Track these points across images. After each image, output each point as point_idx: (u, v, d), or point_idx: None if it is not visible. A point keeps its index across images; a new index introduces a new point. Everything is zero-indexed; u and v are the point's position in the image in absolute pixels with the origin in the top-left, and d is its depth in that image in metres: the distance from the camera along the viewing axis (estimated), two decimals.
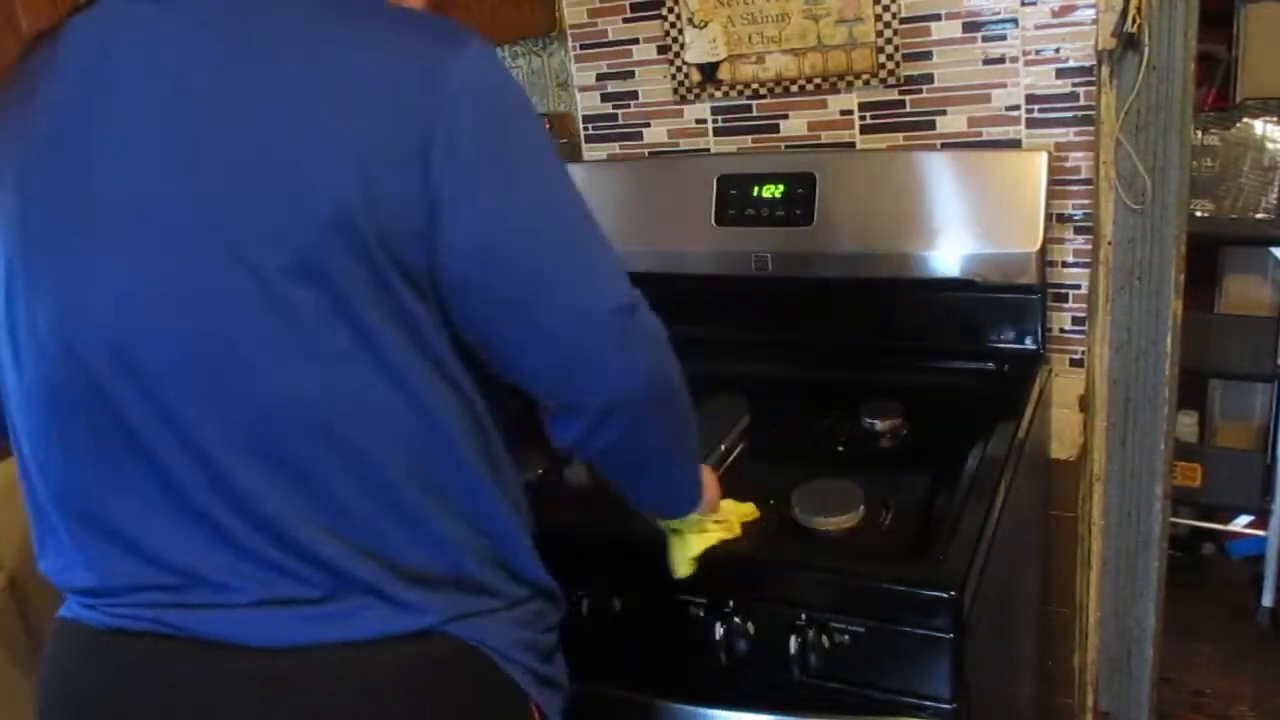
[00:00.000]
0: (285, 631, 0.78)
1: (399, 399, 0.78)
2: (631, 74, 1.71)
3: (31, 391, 0.80)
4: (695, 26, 1.62)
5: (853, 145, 1.59)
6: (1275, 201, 2.24)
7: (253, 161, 0.72)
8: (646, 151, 1.75)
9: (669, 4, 1.62)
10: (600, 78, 1.74)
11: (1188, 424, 2.57)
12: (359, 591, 0.79)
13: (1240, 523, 2.50)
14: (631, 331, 0.86)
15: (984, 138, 1.50)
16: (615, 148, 1.78)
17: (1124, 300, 1.51)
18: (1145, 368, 1.53)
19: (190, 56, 0.75)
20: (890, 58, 1.51)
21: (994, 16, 1.43)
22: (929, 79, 1.50)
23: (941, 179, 1.47)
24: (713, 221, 1.61)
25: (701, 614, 1.09)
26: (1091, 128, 1.42)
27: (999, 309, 1.48)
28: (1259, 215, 2.25)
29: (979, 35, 1.45)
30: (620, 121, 1.75)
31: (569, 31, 1.73)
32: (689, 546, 1.05)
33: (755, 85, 1.61)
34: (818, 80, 1.57)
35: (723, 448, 1.31)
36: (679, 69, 1.66)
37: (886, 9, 1.48)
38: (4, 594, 1.79)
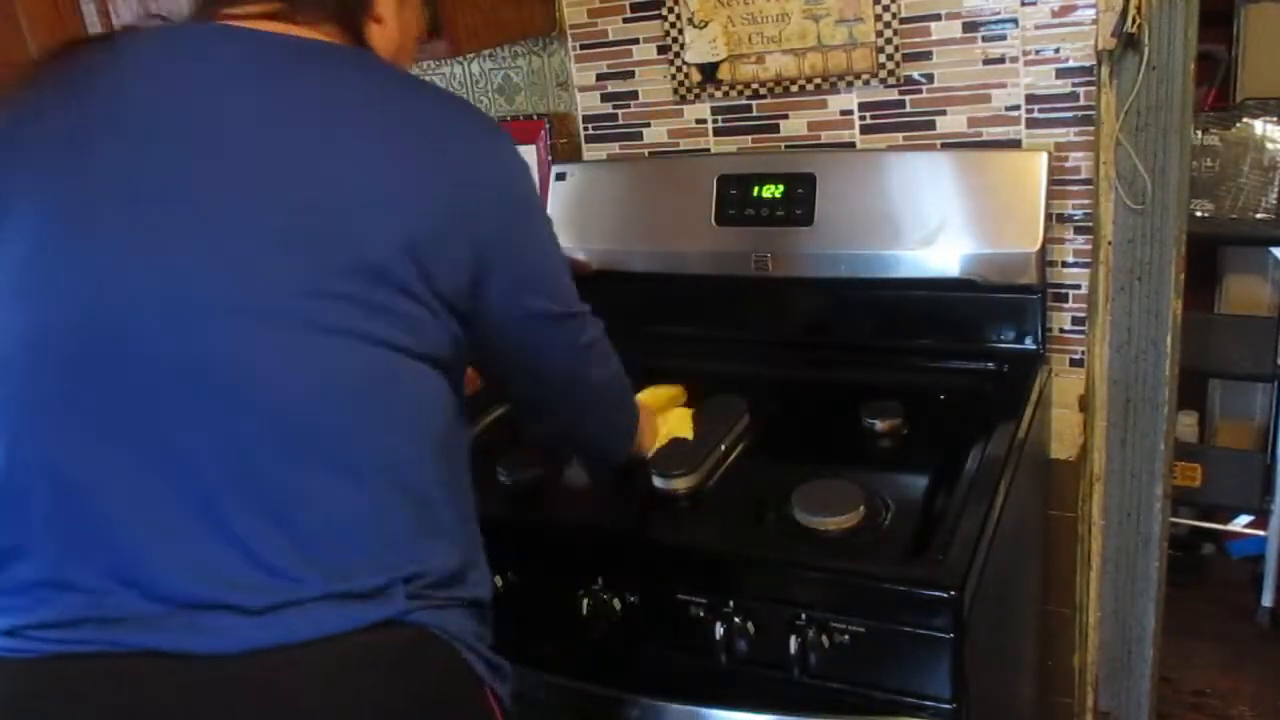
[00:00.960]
0: (252, 636, 0.77)
1: (426, 406, 0.85)
2: (631, 74, 1.71)
3: (32, 347, 0.78)
4: (695, 26, 1.62)
5: (853, 145, 1.59)
6: (1275, 201, 2.24)
7: (319, 199, 0.78)
8: (646, 151, 1.75)
9: (669, 4, 1.62)
10: (600, 78, 1.74)
11: (1188, 424, 2.57)
12: (335, 596, 0.79)
13: (1240, 523, 2.51)
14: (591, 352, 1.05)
15: (984, 138, 1.50)
16: (615, 148, 1.78)
17: (1124, 300, 1.51)
18: (1145, 368, 1.53)
19: (262, 87, 0.81)
20: (890, 58, 1.51)
21: (994, 16, 1.43)
22: (929, 79, 1.50)
23: (941, 179, 1.47)
24: (713, 221, 1.62)
25: (701, 614, 1.09)
26: (1091, 128, 1.43)
27: (999, 309, 1.48)
28: (1259, 215, 2.25)
29: (979, 35, 1.45)
30: (620, 121, 1.76)
31: (569, 31, 1.73)
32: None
33: (755, 85, 1.61)
34: (818, 80, 1.57)
35: (723, 448, 1.31)
36: (679, 69, 1.66)
37: (886, 9, 1.48)
38: None
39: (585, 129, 1.79)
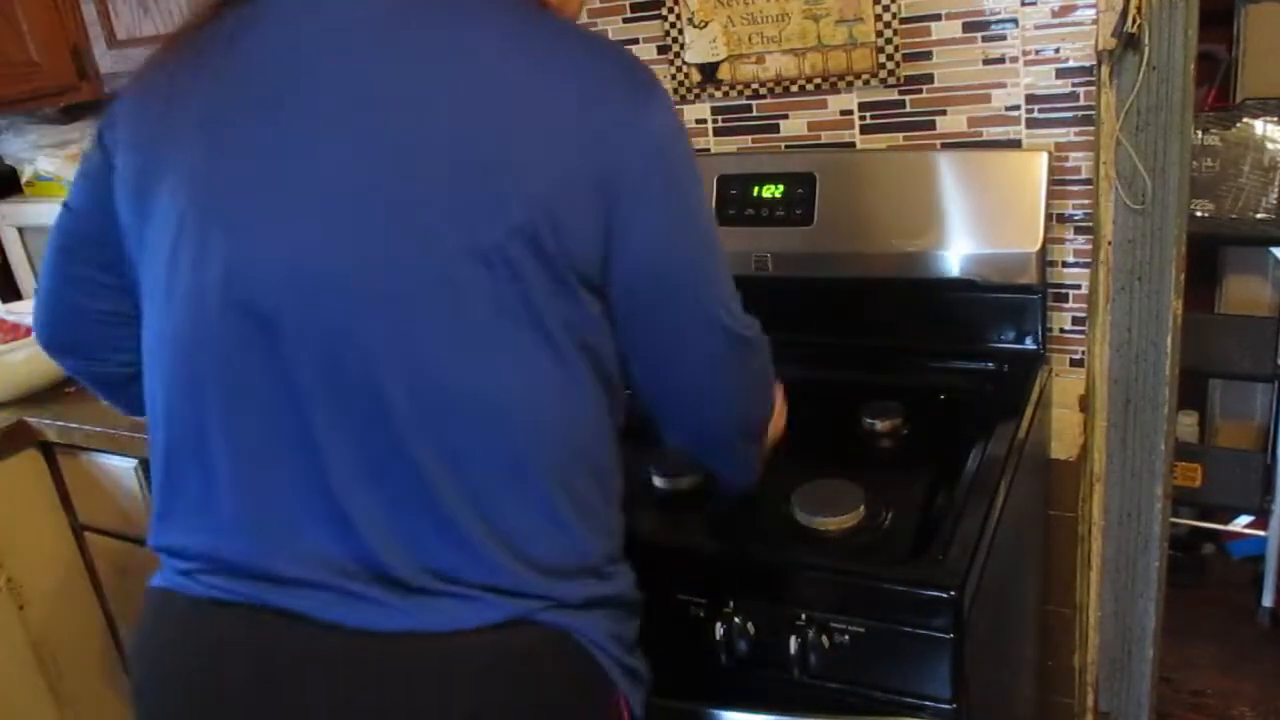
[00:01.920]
0: (382, 617, 0.79)
1: (567, 390, 0.83)
2: None
3: (178, 337, 0.81)
4: (695, 26, 1.62)
5: (853, 145, 1.59)
6: (1275, 201, 2.24)
7: (454, 155, 0.75)
8: None
9: (669, 4, 1.62)
10: None
11: (1188, 424, 2.57)
12: (479, 588, 0.80)
13: (1240, 523, 2.51)
14: (743, 363, 0.96)
15: (984, 138, 1.50)
16: None
17: (1124, 300, 1.51)
18: (1145, 368, 1.53)
19: (399, 40, 0.78)
20: (890, 58, 1.51)
21: (994, 16, 1.43)
22: (929, 79, 1.50)
23: (941, 179, 1.47)
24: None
25: (701, 614, 1.09)
26: (1091, 128, 1.42)
27: (999, 309, 1.48)
28: (1259, 215, 2.25)
29: (979, 35, 1.45)
30: None
31: None
32: None
33: (755, 85, 1.62)
34: (818, 80, 1.57)
35: None
36: (679, 69, 1.66)
37: (886, 9, 1.48)
38: (3, 594, 1.79)
39: None
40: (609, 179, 0.78)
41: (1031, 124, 1.46)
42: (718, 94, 1.65)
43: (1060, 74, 1.42)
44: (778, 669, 1.06)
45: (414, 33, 0.78)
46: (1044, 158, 1.42)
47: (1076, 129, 1.43)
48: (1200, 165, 2.25)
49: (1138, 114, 1.41)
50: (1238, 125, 2.26)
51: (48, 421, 1.76)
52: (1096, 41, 1.37)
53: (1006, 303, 1.47)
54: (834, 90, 1.57)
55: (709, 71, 1.64)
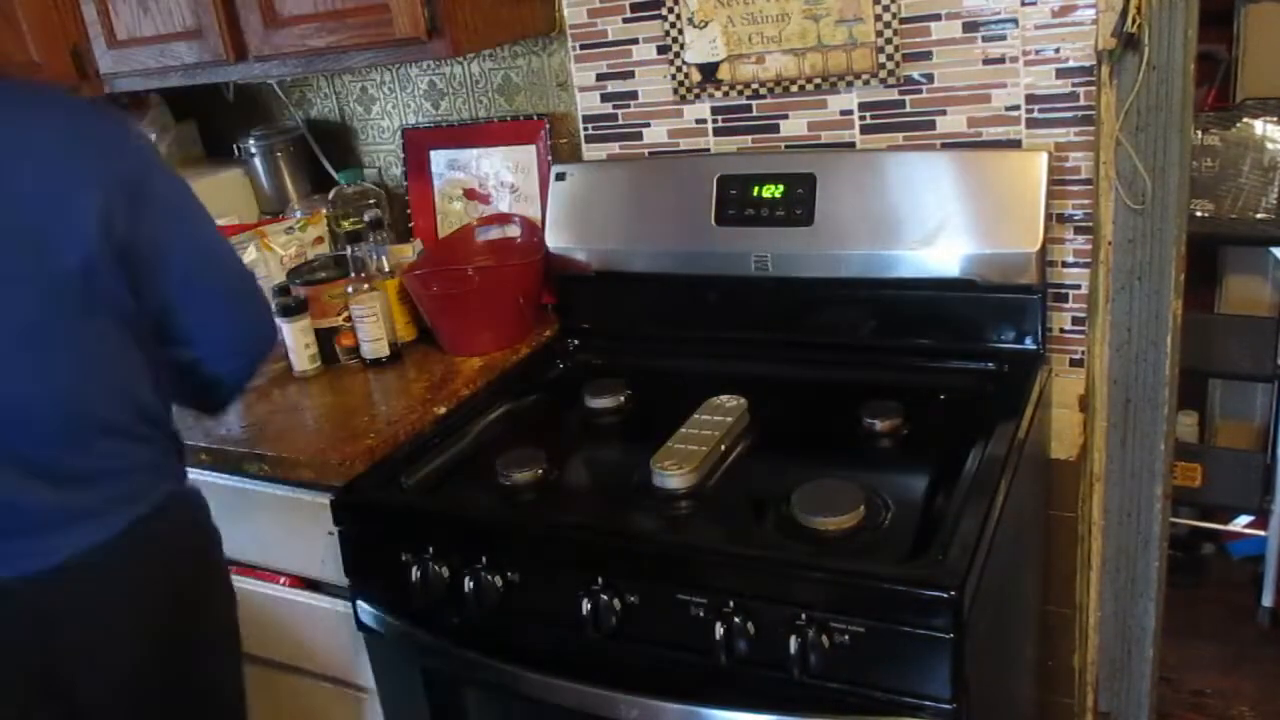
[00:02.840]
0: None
1: (122, 360, 1.13)
2: (631, 74, 1.71)
3: None
4: (695, 26, 1.62)
5: (853, 145, 1.59)
6: (1275, 201, 2.24)
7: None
8: (646, 151, 1.75)
9: (669, 4, 1.62)
10: (600, 78, 1.74)
11: (1188, 424, 2.57)
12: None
13: (1240, 523, 2.51)
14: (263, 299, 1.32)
15: (984, 138, 1.50)
16: (615, 148, 1.78)
17: (1124, 300, 1.51)
18: (1145, 368, 1.53)
19: None
20: (890, 58, 1.51)
21: (994, 16, 1.43)
22: (929, 79, 1.50)
23: (941, 179, 1.47)
24: (713, 221, 1.62)
25: (701, 614, 1.09)
26: (1091, 128, 1.42)
27: (999, 309, 1.48)
28: (1259, 215, 2.25)
29: (979, 35, 1.45)
30: (620, 121, 1.76)
31: (569, 31, 1.73)
32: None
33: (755, 85, 1.61)
34: (818, 80, 1.57)
35: (723, 448, 1.31)
36: (679, 69, 1.66)
37: (886, 9, 1.48)
38: None
39: (585, 129, 1.79)
40: (125, 195, 1.07)
41: (1031, 124, 1.46)
42: (718, 94, 1.65)
43: (1060, 74, 1.42)
44: (778, 669, 1.06)
45: None
46: (1044, 158, 1.42)
47: (1076, 129, 1.43)
48: (1200, 165, 2.25)
49: (1138, 114, 1.41)
50: (1238, 125, 2.26)
51: None
52: (1096, 41, 1.37)
53: (1006, 303, 1.47)
54: (834, 90, 1.57)
55: (709, 71, 1.64)
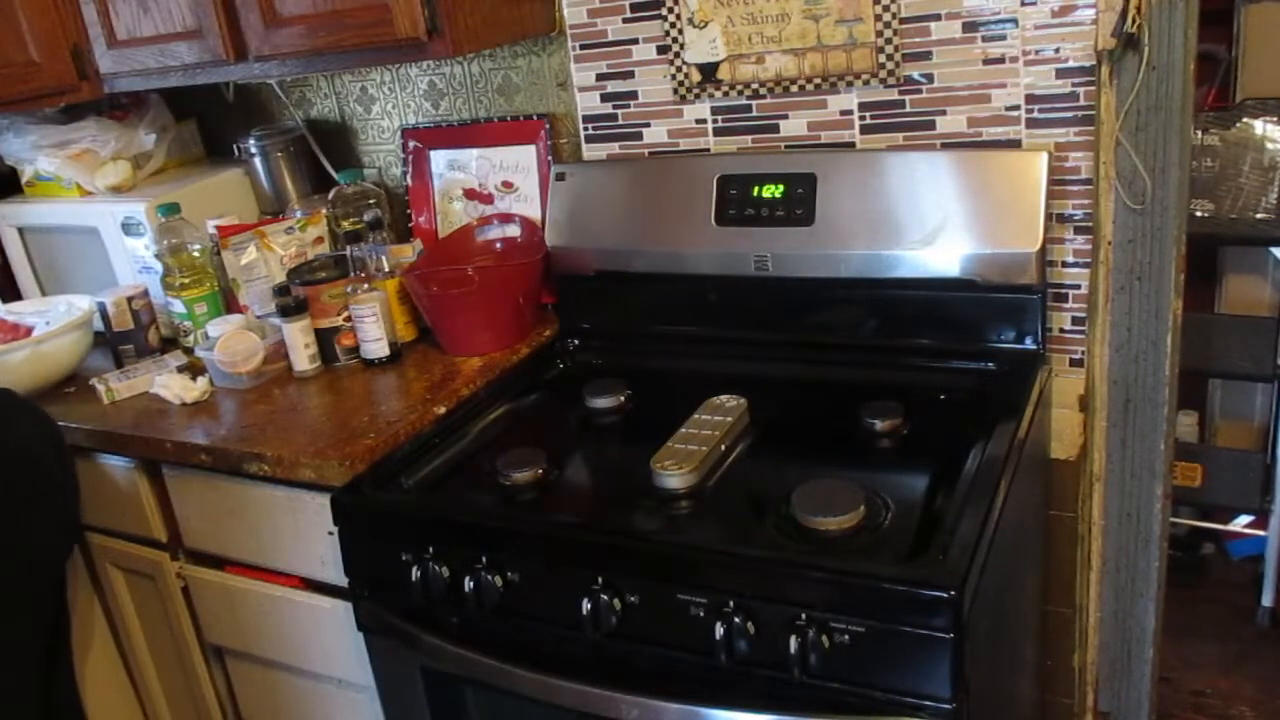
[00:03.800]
0: None
1: None
2: (631, 74, 1.71)
3: None
4: (695, 26, 1.62)
5: (853, 145, 1.59)
6: (1275, 201, 2.24)
7: None
8: (646, 151, 1.75)
9: (669, 4, 1.62)
10: (600, 78, 1.74)
11: (1188, 424, 2.57)
12: None
13: (1240, 523, 2.51)
14: None
15: (984, 138, 1.50)
16: (615, 148, 1.78)
17: (1124, 300, 1.51)
18: (1145, 368, 1.53)
19: None
20: (890, 58, 1.51)
21: (994, 16, 1.43)
22: (929, 79, 1.50)
23: (941, 179, 1.47)
24: (713, 221, 1.62)
25: (701, 614, 1.09)
26: (1091, 128, 1.42)
27: (999, 309, 1.48)
28: (1259, 215, 2.25)
29: (979, 35, 1.45)
30: (620, 121, 1.76)
31: (569, 31, 1.74)
32: None
33: (755, 85, 1.61)
34: (818, 80, 1.57)
35: (723, 448, 1.31)
36: (679, 69, 1.66)
37: (886, 9, 1.48)
38: None
39: (585, 129, 1.79)
40: None
41: (1031, 124, 1.46)
42: (718, 94, 1.65)
43: (1060, 74, 1.42)
44: (778, 669, 1.06)
45: None
46: (1044, 158, 1.42)
47: (1076, 129, 1.43)
48: (1200, 165, 2.25)
49: (1138, 114, 1.41)
50: (1237, 125, 2.26)
51: None
52: (1096, 41, 1.37)
53: (1006, 303, 1.47)
54: (834, 90, 1.57)
55: (709, 71, 1.64)
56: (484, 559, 1.21)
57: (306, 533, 1.45)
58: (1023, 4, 1.41)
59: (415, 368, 1.68)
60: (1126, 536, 1.64)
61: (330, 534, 1.38)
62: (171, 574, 1.66)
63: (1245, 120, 2.26)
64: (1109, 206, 1.47)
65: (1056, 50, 1.41)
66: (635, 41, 1.69)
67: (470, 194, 1.95)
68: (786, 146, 1.64)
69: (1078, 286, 1.51)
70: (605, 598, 1.14)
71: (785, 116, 1.62)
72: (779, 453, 1.38)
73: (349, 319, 1.69)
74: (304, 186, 2.14)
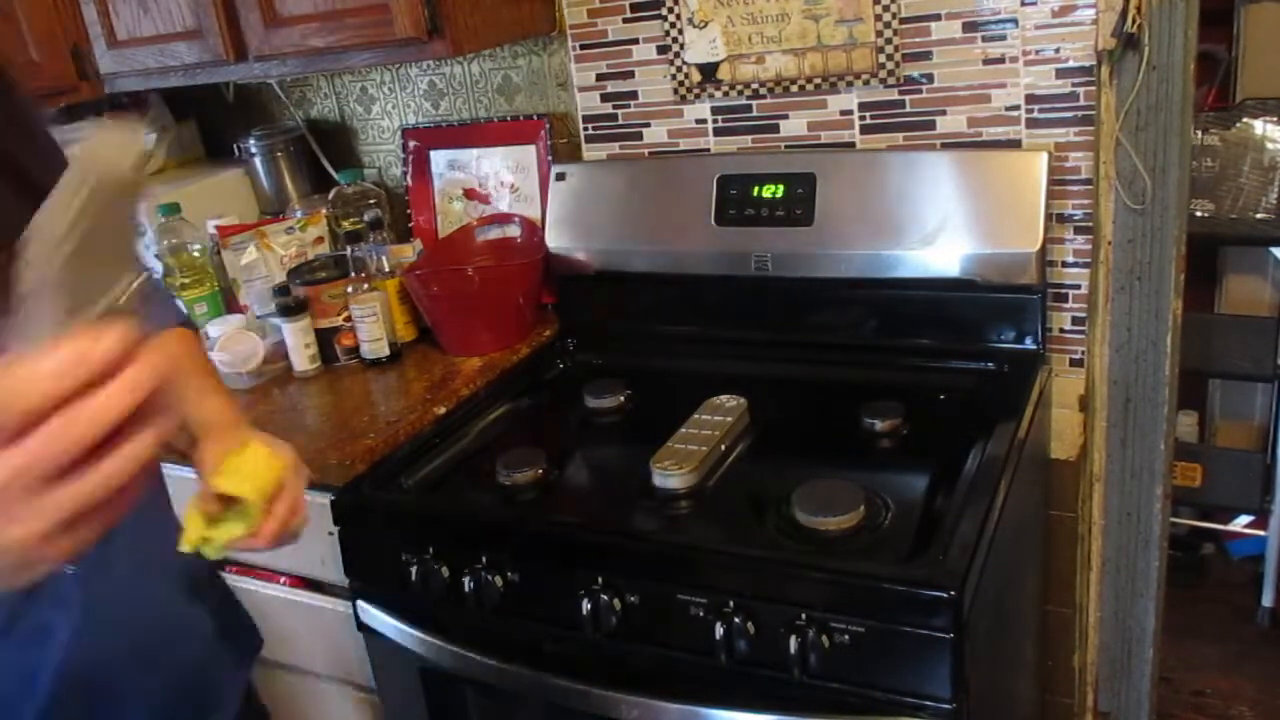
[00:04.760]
0: None
1: None
2: (631, 74, 1.71)
3: None
4: (695, 26, 1.62)
5: (853, 145, 1.59)
6: (1275, 201, 2.24)
7: None
8: (646, 151, 1.75)
9: (669, 4, 1.62)
10: (600, 78, 1.74)
11: (1188, 424, 2.57)
12: None
13: (1240, 523, 2.51)
14: None
15: (984, 138, 1.50)
16: (615, 148, 1.78)
17: (1124, 300, 1.51)
18: (1145, 368, 1.53)
19: None
20: (890, 58, 1.51)
21: (994, 16, 1.43)
22: (929, 79, 1.50)
23: (941, 179, 1.47)
24: (713, 221, 1.62)
25: (701, 614, 1.09)
26: (1091, 128, 1.42)
27: (999, 309, 1.48)
28: (1259, 215, 2.25)
29: (979, 35, 1.45)
30: (620, 121, 1.76)
31: (569, 31, 1.73)
32: (192, 524, 0.79)
33: (755, 85, 1.61)
34: (818, 80, 1.57)
35: (723, 448, 1.31)
36: (679, 69, 1.66)
37: (886, 9, 1.48)
38: None
39: (585, 129, 1.79)
40: None
41: (1031, 124, 1.46)
42: (718, 94, 1.65)
43: (1060, 74, 1.42)
44: (778, 669, 1.06)
45: None
46: (1044, 158, 1.42)
47: (1076, 129, 1.43)
48: (1200, 165, 2.25)
49: (1138, 114, 1.41)
50: (1238, 125, 2.26)
51: None
52: (1096, 41, 1.37)
53: (1006, 303, 1.47)
54: (834, 90, 1.57)
55: (709, 71, 1.64)
56: (484, 559, 1.21)
57: (307, 532, 1.44)
58: (1023, 4, 1.41)
59: (415, 368, 1.68)
60: (1126, 536, 1.64)
61: (330, 534, 1.38)
62: None
63: (1245, 120, 2.26)
64: (1109, 206, 1.47)
65: (1056, 50, 1.41)
66: (635, 41, 1.69)
67: (470, 194, 1.95)
68: (786, 146, 1.64)
69: (1078, 286, 1.51)
70: (605, 598, 1.14)
71: (785, 116, 1.62)
72: (779, 453, 1.37)
73: (349, 319, 1.69)
74: (304, 186, 2.14)
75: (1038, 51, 1.42)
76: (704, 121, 1.69)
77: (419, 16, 1.47)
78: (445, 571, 1.24)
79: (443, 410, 1.52)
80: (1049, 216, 1.44)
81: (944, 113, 1.51)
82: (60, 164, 0.78)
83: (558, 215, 1.75)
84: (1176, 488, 2.02)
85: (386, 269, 1.72)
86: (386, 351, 1.69)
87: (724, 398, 1.41)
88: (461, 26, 1.51)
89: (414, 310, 1.75)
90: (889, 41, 1.50)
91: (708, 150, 1.70)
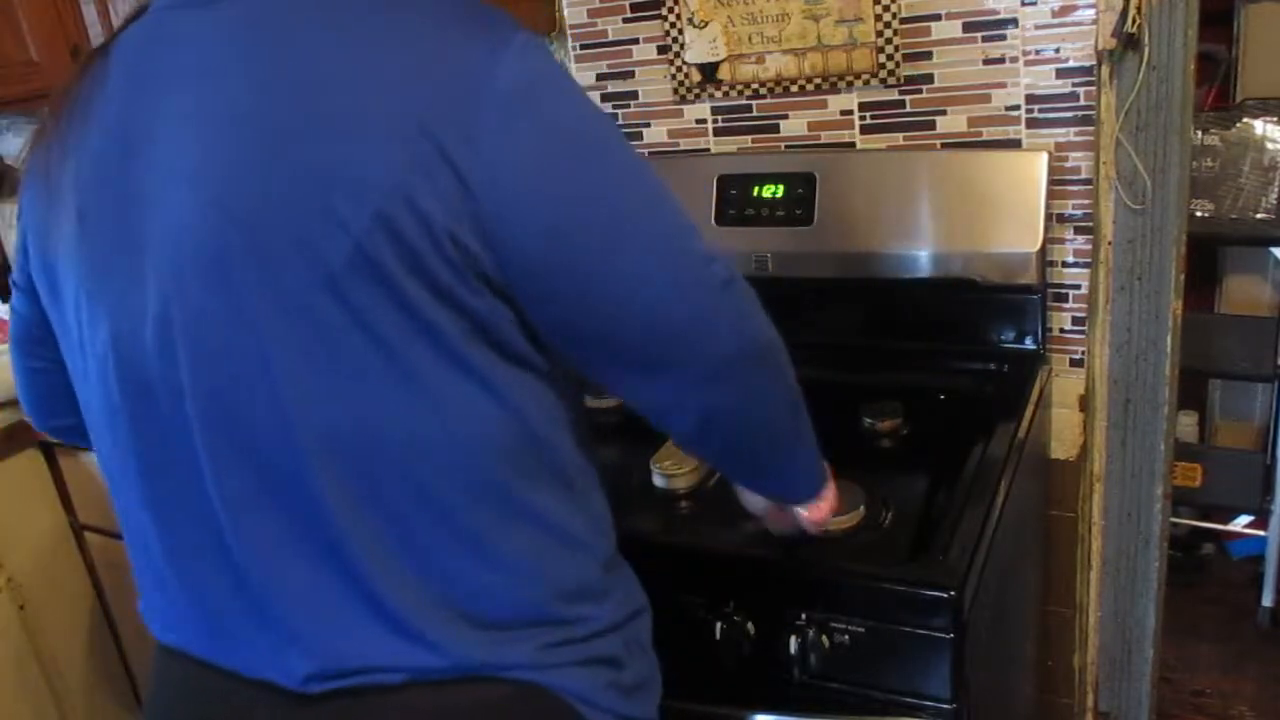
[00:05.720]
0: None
1: (474, 400, 0.72)
2: (631, 74, 1.71)
3: (98, 421, 0.81)
4: (695, 26, 1.62)
5: (853, 145, 1.59)
6: (1275, 201, 2.24)
7: (285, 172, 0.68)
8: (646, 151, 1.75)
9: (669, 4, 1.62)
10: (600, 78, 1.74)
11: (1188, 424, 2.57)
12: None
13: (1240, 523, 2.50)
14: (726, 291, 0.78)
15: (984, 138, 1.50)
16: None
17: (1124, 300, 1.51)
18: (1145, 368, 1.53)
19: (225, 62, 0.71)
20: (890, 58, 1.51)
21: (994, 16, 1.43)
22: (929, 79, 1.50)
23: (941, 179, 1.47)
24: (713, 221, 1.61)
25: (701, 614, 1.09)
26: (1091, 128, 1.42)
27: (999, 309, 1.48)
28: (1259, 215, 2.25)
29: (979, 35, 1.45)
30: (620, 121, 1.75)
31: (569, 31, 1.73)
32: None
33: (755, 85, 1.61)
34: (818, 80, 1.57)
35: None
36: (679, 69, 1.66)
37: (886, 9, 1.48)
38: (3, 593, 1.79)
39: None
40: (463, 136, 0.67)
41: (1031, 124, 1.46)
42: (718, 94, 1.65)
43: (1060, 74, 1.42)
44: (778, 669, 1.06)
45: (256, 46, 0.71)
46: (1044, 158, 1.42)
47: (1076, 129, 1.43)
48: (1200, 165, 2.25)
49: (1138, 114, 1.41)
50: (1238, 125, 2.26)
51: None
52: (1096, 41, 1.37)
53: (1006, 303, 1.47)
54: (834, 90, 1.57)
55: (709, 71, 1.64)
56: None
57: None
58: (1023, 4, 1.41)
59: None
60: (1126, 536, 1.64)
61: None
62: None
63: (1245, 120, 2.25)
64: (1109, 206, 1.47)
65: (1057, 50, 1.41)
66: (635, 41, 1.69)
67: None
68: (786, 146, 1.64)
69: (1078, 286, 1.51)
70: None
71: (785, 116, 1.62)
72: None
73: None
74: None
75: (1038, 51, 1.42)
76: (704, 121, 1.69)
77: None
78: None
79: None
80: (1049, 216, 1.44)
81: (944, 113, 1.51)
82: None
83: None
84: (1176, 488, 2.02)
85: None
86: None
87: None
88: None
89: None
90: (889, 41, 1.50)
91: (708, 150, 1.70)
